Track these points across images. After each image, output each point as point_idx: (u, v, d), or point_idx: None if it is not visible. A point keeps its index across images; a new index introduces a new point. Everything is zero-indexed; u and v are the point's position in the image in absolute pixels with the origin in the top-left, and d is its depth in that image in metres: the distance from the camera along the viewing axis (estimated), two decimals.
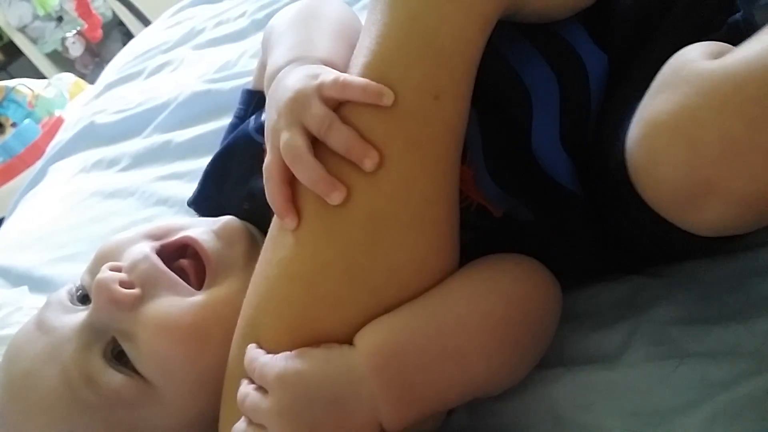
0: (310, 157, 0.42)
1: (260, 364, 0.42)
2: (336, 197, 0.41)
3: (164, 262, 0.51)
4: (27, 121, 2.13)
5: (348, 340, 0.41)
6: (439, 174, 0.43)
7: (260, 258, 0.46)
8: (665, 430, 0.40)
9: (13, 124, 2.15)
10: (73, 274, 0.84)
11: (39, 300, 0.80)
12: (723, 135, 0.33)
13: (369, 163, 0.41)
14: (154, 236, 0.54)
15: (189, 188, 0.83)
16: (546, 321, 0.44)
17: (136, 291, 0.49)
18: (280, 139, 0.43)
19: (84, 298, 0.52)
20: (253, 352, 0.43)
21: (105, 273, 0.49)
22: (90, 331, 0.49)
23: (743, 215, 0.35)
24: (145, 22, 2.55)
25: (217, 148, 0.65)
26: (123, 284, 0.49)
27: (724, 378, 0.41)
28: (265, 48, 0.58)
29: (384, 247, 0.42)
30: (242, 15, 1.29)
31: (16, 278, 0.92)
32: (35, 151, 1.98)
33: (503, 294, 0.42)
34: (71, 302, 0.52)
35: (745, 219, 0.35)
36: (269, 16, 1.01)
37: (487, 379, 0.42)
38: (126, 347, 0.48)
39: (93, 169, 1.10)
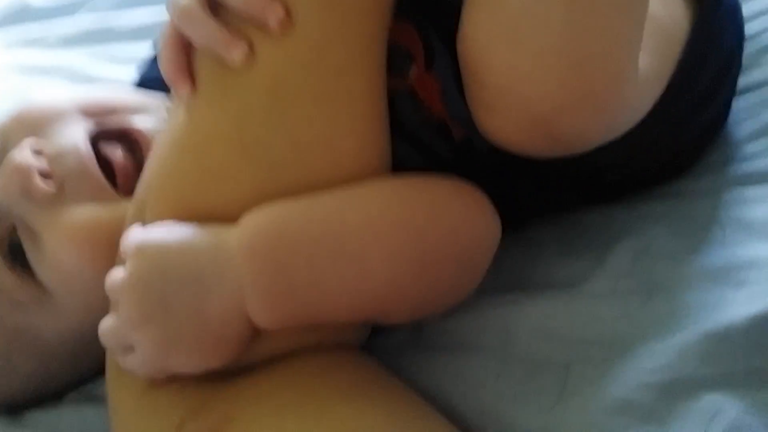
0: (203, 15, 0.37)
1: (126, 237, 0.37)
2: (237, 55, 0.36)
3: (94, 149, 0.45)
4: None
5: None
6: (356, 44, 0.38)
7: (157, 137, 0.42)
8: (626, 360, 0.38)
9: None
10: None
11: None
12: None
13: (273, 19, 0.36)
14: (90, 112, 0.47)
15: (128, 71, 0.76)
16: (473, 249, 0.40)
17: (52, 189, 0.43)
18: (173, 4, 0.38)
19: None
20: (129, 230, 0.38)
21: (25, 154, 0.43)
22: None
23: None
24: None
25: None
26: (42, 174, 0.43)
27: (692, 314, 0.39)
28: None
29: (286, 118, 0.37)
30: None
31: None
32: None
33: (427, 205, 0.38)
34: None
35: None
36: None
37: (388, 295, 0.37)
38: (26, 245, 0.44)
39: (18, 45, 1.01)
